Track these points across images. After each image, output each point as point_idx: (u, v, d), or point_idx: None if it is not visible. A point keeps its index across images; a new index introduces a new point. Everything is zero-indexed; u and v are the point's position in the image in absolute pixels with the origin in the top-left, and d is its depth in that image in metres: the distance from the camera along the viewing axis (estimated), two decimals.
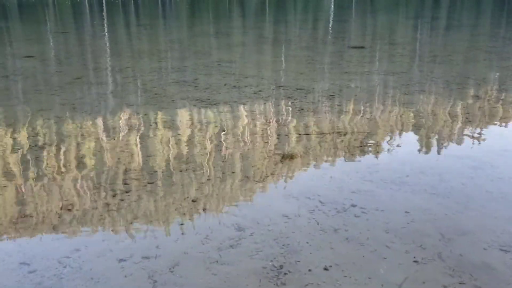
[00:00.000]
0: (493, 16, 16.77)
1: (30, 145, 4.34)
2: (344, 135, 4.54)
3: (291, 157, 4.08)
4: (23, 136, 4.60)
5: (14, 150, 4.24)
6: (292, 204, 3.15)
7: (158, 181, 3.57)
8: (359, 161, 3.93)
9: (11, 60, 8.88)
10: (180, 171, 3.76)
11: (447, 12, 18.94)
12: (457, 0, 26.26)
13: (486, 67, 7.58)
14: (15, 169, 3.82)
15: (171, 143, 4.42)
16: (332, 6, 23.28)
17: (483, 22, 14.71)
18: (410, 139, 4.47)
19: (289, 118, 5.11)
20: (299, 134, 4.62)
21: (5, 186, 3.50)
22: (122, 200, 3.26)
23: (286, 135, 4.58)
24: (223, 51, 9.70)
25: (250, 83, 6.63)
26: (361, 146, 4.25)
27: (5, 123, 4.97)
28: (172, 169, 3.79)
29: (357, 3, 25.25)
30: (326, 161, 3.98)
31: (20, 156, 4.09)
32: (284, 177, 3.69)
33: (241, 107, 5.50)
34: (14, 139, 4.53)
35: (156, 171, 3.76)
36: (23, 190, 3.46)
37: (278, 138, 4.49)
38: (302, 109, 5.38)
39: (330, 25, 14.64)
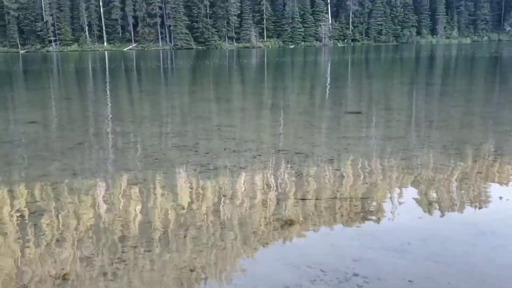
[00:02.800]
0: (486, 82, 17.27)
1: (29, 211, 4.31)
2: (344, 200, 4.53)
3: (291, 223, 4.05)
4: (22, 202, 4.58)
5: (12, 216, 4.21)
6: (293, 273, 3.09)
7: (156, 248, 3.52)
8: (360, 227, 3.90)
9: (14, 125, 9.02)
10: (179, 238, 3.71)
11: (441, 78, 19.51)
12: (450, 66, 27.14)
13: (482, 132, 7.71)
14: (12, 236, 3.78)
15: (170, 209, 4.40)
16: (329, 73, 24.02)
17: (476, 88, 15.12)
18: (410, 204, 4.46)
19: (289, 183, 5.12)
20: (298, 199, 4.62)
21: (1, 254, 3.44)
22: (118, 269, 3.19)
23: (285, 201, 4.57)
24: (223, 116, 9.89)
25: (250, 148, 6.70)
26: (361, 212, 4.23)
27: (5, 189, 4.97)
28: (170, 236, 3.75)
29: (353, 69, 26.08)
30: (326, 227, 3.94)
31: (17, 222, 4.06)
32: (284, 244, 3.64)
33: (241, 172, 5.53)
34: (13, 205, 4.51)
35: (154, 238, 3.71)
36: (20, 258, 3.40)
37: (277, 204, 4.48)
38: (301, 174, 5.41)
39: (327, 91, 15.03)
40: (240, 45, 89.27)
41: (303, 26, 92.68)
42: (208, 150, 6.62)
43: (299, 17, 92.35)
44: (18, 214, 4.28)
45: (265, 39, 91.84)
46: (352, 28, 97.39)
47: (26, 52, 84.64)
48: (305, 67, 28.90)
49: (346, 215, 4.19)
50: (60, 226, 3.99)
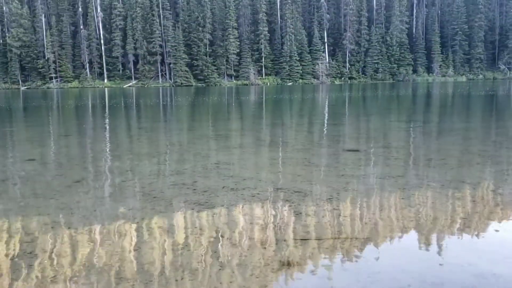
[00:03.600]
0: (483, 120, 17.43)
1: (23, 252, 4.25)
2: (344, 240, 4.49)
3: (290, 264, 4.00)
4: (16, 242, 4.52)
5: (7, 255, 4.15)
6: None
7: None
8: (360, 268, 3.85)
9: (13, 163, 9.01)
10: (176, 280, 3.65)
11: (438, 116, 19.70)
12: (447, 104, 27.45)
13: (480, 171, 7.72)
14: (6, 276, 3.71)
15: (167, 249, 4.34)
16: (327, 110, 24.24)
17: (474, 126, 15.24)
18: (409, 245, 4.41)
19: (287, 222, 5.08)
20: (297, 239, 4.57)
21: None
22: None
23: (284, 241, 4.52)
24: (222, 153, 9.91)
25: (248, 186, 6.69)
26: (360, 252, 4.18)
27: (0, 227, 4.92)
28: (167, 278, 3.69)
29: (350, 107, 26.35)
30: (325, 268, 3.89)
31: (11, 263, 3.99)
32: (283, 286, 3.58)
33: (239, 211, 5.50)
34: (7, 244, 4.46)
35: (151, 280, 3.65)
36: None
37: (276, 244, 4.43)
38: (300, 213, 5.38)
39: (325, 128, 15.14)
40: (239, 82, 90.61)
41: (300, 64, 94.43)
42: (207, 188, 6.61)
43: (297, 55, 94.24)
44: (13, 253, 4.21)
45: (264, 76, 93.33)
46: (349, 66, 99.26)
47: (27, 88, 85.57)
48: (303, 104, 29.21)
49: (345, 255, 4.14)
50: (56, 266, 3.92)
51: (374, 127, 15.17)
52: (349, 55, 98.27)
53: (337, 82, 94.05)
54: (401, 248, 4.32)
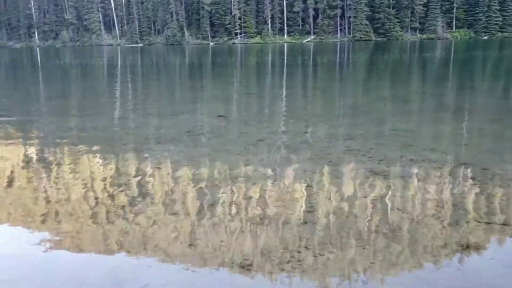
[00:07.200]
0: None
1: (210, 195, 4.82)
2: None
3: (468, 247, 3.77)
4: (203, 187, 5.14)
5: (192, 199, 4.77)
6: None
7: (324, 245, 3.63)
8: None
9: (205, 118, 10.08)
10: (342, 247, 3.77)
11: None
12: None
13: None
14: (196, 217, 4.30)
15: (333, 213, 4.45)
16: None
17: None
18: None
19: (470, 202, 4.73)
20: (480, 222, 4.25)
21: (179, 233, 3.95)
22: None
23: (466, 222, 4.25)
24: (399, 119, 9.53)
25: (428, 157, 6.35)
26: None
27: (189, 175, 5.65)
28: (331, 239, 3.82)
29: None
30: (508, 255, 3.56)
31: (196, 204, 4.59)
32: (459, 268, 3.42)
33: (416, 184, 5.31)
34: (197, 189, 5.10)
35: (320, 242, 3.83)
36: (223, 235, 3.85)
37: (456, 224, 4.20)
38: (486, 194, 4.94)
39: None
40: (424, 36, 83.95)
41: (501, 15, 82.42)
42: (383, 156, 6.48)
43: (497, 4, 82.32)
44: (201, 199, 4.82)
45: (453, 30, 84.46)
46: None
47: (215, 44, 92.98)
48: (500, 64, 25.86)
49: None
50: (231, 214, 4.38)
51: None
52: None
53: None
54: None
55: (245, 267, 3.53)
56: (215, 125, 9.13)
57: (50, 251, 3.90)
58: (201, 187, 5.36)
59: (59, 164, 6.50)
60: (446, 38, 79.44)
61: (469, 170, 5.79)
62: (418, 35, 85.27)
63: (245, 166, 6.15)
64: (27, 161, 6.73)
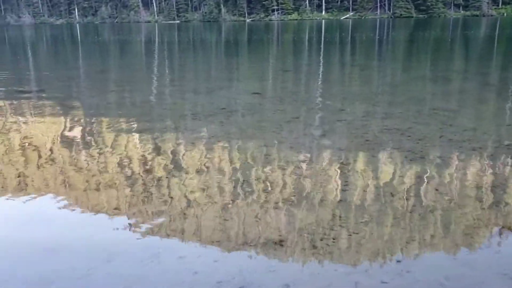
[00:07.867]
0: None
1: (244, 172, 4.86)
2: None
3: (509, 229, 3.67)
4: (237, 163, 5.18)
5: (230, 179, 4.82)
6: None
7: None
8: None
9: (241, 95, 10.09)
10: (378, 228, 3.73)
11: None
12: None
13: None
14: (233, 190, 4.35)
15: (369, 192, 4.41)
16: None
17: None
18: None
19: (504, 185, 4.59)
20: None
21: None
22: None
23: (505, 204, 4.13)
24: (440, 98, 9.26)
25: (469, 138, 6.17)
26: None
27: (228, 154, 5.70)
28: (367, 222, 3.80)
29: None
30: None
31: (232, 181, 4.63)
32: (497, 252, 3.34)
33: (455, 165, 5.17)
34: (231, 166, 5.15)
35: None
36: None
37: (495, 206, 4.08)
38: None
39: None
40: (468, 13, 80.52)
41: None
42: (422, 136, 6.33)
43: None
44: (237, 176, 4.87)
45: (499, 6, 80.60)
46: None
47: (251, 20, 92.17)
48: None
49: None
50: (268, 190, 4.40)
51: None
52: None
53: None
54: None
55: (279, 243, 3.56)
56: (250, 102, 9.13)
57: (91, 219, 4.05)
58: (235, 164, 5.41)
59: (98, 138, 6.68)
60: (491, 15, 75.87)
61: (511, 151, 5.59)
62: (462, 12, 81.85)
63: (279, 144, 6.15)
64: (67, 135, 6.95)
